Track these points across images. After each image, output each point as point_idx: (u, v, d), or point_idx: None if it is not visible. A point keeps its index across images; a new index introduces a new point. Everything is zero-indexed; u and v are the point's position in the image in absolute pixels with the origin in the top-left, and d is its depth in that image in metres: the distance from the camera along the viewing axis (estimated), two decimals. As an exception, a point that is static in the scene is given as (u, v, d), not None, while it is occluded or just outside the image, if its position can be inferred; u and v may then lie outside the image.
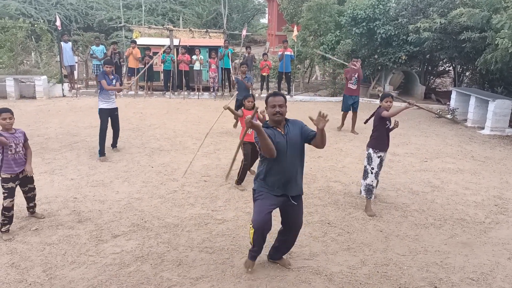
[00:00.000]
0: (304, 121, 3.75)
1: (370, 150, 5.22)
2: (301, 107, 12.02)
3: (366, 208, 5.26)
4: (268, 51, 19.75)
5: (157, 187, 5.92)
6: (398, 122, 5.25)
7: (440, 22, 10.72)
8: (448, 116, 10.91)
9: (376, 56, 13.12)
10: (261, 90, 13.56)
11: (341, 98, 10.50)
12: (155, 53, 13.58)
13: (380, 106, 5.26)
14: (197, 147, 7.83)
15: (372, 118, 5.39)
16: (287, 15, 17.05)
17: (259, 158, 3.77)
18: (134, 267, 3.95)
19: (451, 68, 15.29)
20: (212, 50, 13.18)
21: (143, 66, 12.84)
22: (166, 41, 14.12)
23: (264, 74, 13.10)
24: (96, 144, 7.63)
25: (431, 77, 15.52)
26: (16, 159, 4.51)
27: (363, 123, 6.05)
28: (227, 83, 13.76)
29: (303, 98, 13.59)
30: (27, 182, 4.72)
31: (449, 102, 11.53)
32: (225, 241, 4.47)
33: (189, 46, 13.48)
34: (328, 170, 6.82)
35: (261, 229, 3.63)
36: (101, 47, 13.13)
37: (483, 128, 9.88)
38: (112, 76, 7.14)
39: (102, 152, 7.10)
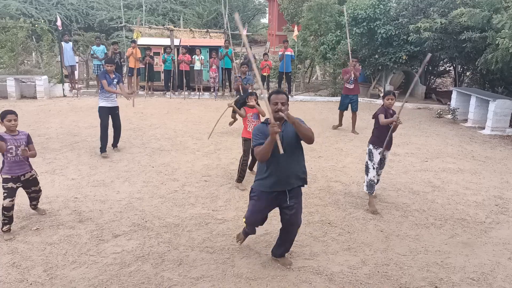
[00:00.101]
0: (305, 120, 3.75)
1: (371, 146, 5.33)
2: (302, 107, 12.03)
3: (369, 204, 5.33)
4: (268, 51, 19.75)
5: (157, 187, 5.93)
6: (397, 122, 5.18)
7: (440, 22, 10.71)
8: (449, 116, 10.90)
9: (376, 56, 13.12)
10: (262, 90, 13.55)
11: (341, 98, 10.54)
12: (155, 53, 13.61)
13: (383, 104, 5.35)
14: (197, 147, 7.86)
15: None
16: (287, 15, 17.06)
17: None
18: (134, 266, 3.95)
19: (451, 68, 15.28)
20: (213, 50, 13.19)
21: (143, 66, 12.87)
22: (166, 41, 14.13)
23: (264, 74, 13.11)
24: (96, 144, 7.65)
25: (432, 77, 15.52)
26: (17, 162, 4.50)
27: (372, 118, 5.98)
28: (227, 83, 13.77)
29: (303, 98, 13.60)
30: (30, 185, 4.72)
31: (450, 102, 11.53)
32: (225, 241, 4.47)
33: (190, 46, 13.49)
34: (328, 170, 6.82)
35: (252, 225, 4.08)
36: (102, 47, 13.14)
37: (483, 128, 9.88)
38: (114, 75, 7.12)
39: (103, 149, 7.16)
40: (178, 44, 14.02)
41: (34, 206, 4.93)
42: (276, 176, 3.64)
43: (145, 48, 13.05)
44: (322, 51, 13.87)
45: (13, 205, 4.48)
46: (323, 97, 13.77)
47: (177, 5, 25.47)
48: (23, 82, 12.76)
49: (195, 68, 13.09)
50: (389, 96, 5.29)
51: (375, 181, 5.31)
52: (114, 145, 7.54)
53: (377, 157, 5.24)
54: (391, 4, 13.13)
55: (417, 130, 9.74)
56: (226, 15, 15.40)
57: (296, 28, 14.04)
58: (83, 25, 22.53)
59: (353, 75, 8.93)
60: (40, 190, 4.86)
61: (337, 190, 5.96)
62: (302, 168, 3.75)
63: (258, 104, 5.96)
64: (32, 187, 4.75)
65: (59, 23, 12.90)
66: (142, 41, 14.09)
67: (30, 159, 4.71)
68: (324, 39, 14.03)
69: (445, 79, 17.40)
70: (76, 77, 13.68)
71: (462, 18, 9.89)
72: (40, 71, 14.45)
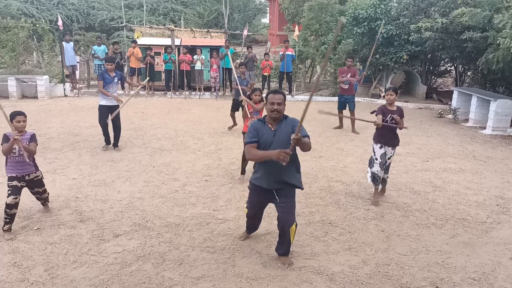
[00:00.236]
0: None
1: (373, 141, 5.56)
2: (302, 107, 11.91)
3: (374, 195, 5.54)
4: (269, 51, 19.73)
5: (158, 187, 5.93)
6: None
7: (441, 21, 10.70)
8: (450, 116, 10.89)
9: (377, 56, 13.11)
10: (262, 90, 13.56)
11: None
12: (156, 53, 13.61)
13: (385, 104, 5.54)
14: (198, 147, 7.86)
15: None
16: (288, 15, 17.05)
17: None
18: (135, 266, 3.96)
19: (452, 68, 15.27)
20: (214, 50, 13.19)
21: (144, 66, 12.87)
22: (167, 41, 14.13)
23: (265, 74, 13.10)
24: (97, 144, 7.68)
25: (433, 77, 15.50)
26: (20, 162, 4.51)
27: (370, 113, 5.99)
28: (228, 83, 13.77)
29: (304, 98, 13.59)
30: (34, 186, 4.74)
31: (451, 102, 11.52)
32: (226, 240, 4.47)
33: (191, 46, 13.50)
34: (329, 170, 6.82)
35: (251, 219, 4.27)
36: (103, 47, 13.15)
37: (484, 128, 9.87)
38: (114, 74, 7.11)
39: (106, 141, 7.41)
40: (179, 44, 14.03)
41: (43, 202, 5.00)
42: (263, 175, 3.80)
43: (146, 48, 13.05)
44: (323, 51, 13.86)
45: (16, 203, 4.46)
46: (324, 97, 13.76)
47: (178, 5, 25.49)
48: (24, 82, 12.77)
49: (196, 68, 13.10)
50: (388, 92, 5.42)
51: (380, 175, 5.43)
52: (115, 144, 7.55)
53: (378, 152, 5.41)
54: (392, 4, 13.12)
55: (418, 130, 9.74)
56: (227, 15, 15.41)
57: (297, 28, 14.04)
58: (84, 25, 22.56)
59: (349, 75, 9.12)
60: (44, 192, 4.86)
61: (338, 190, 5.96)
62: (293, 172, 3.77)
63: (263, 100, 6.02)
64: (36, 188, 4.76)
65: (60, 23, 12.91)
66: (142, 41, 14.11)
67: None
68: (325, 39, 14.03)
69: (446, 79, 17.38)
70: (77, 77, 13.70)
71: (463, 18, 9.88)
72: (41, 71, 14.46)
